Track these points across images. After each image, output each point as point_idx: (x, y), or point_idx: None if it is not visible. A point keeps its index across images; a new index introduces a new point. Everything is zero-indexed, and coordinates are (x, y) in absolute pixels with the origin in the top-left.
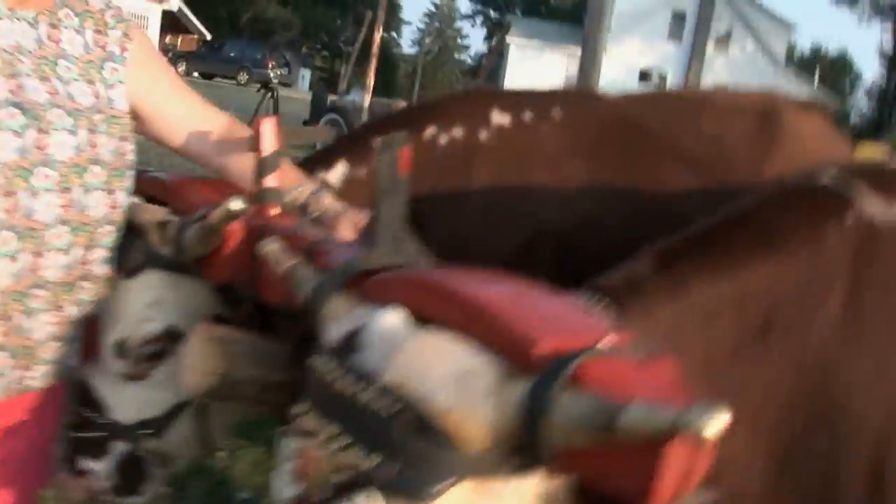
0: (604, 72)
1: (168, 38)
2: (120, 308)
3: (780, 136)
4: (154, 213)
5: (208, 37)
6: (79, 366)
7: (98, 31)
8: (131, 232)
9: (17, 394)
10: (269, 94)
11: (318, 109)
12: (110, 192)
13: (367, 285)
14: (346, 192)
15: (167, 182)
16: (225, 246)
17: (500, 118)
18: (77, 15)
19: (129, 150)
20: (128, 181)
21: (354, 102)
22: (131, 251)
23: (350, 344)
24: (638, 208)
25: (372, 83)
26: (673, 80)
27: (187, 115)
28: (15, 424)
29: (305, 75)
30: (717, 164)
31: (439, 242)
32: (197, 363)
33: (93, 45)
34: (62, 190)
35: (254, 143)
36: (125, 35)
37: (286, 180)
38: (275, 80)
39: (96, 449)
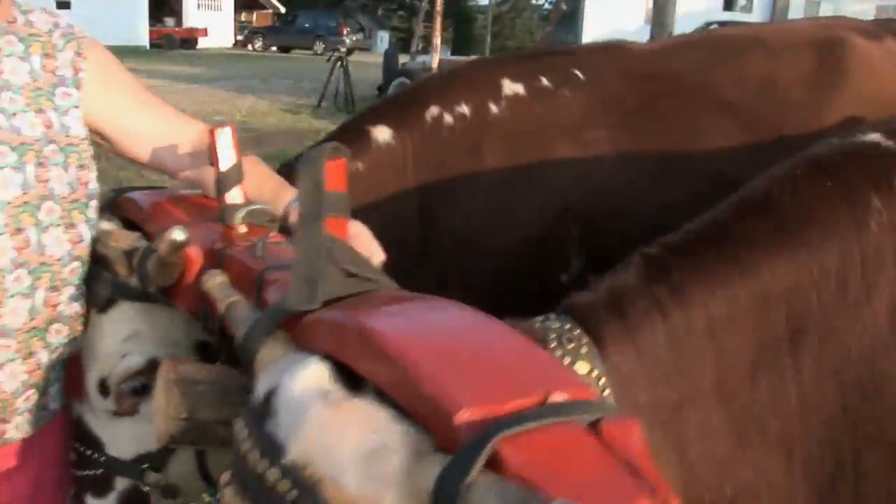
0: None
1: (243, 15)
2: (96, 345)
3: (845, 72)
4: (124, 241)
5: (282, 10)
6: (71, 403)
7: (46, 55)
8: (99, 264)
9: None
10: (339, 62)
11: (390, 74)
12: (70, 226)
13: (297, 329)
14: None
15: (142, 204)
16: (186, 274)
17: (512, 87)
18: (21, 40)
19: (91, 178)
20: (92, 212)
21: (424, 64)
22: (100, 284)
23: (266, 407)
24: (676, 173)
25: (439, 42)
26: (760, 8)
27: (154, 129)
28: None
29: (384, 38)
30: (766, 112)
31: (449, 234)
32: (160, 407)
33: (40, 71)
34: (14, 231)
35: (211, 156)
36: (78, 55)
37: (263, 190)
38: (344, 48)
39: (100, 486)
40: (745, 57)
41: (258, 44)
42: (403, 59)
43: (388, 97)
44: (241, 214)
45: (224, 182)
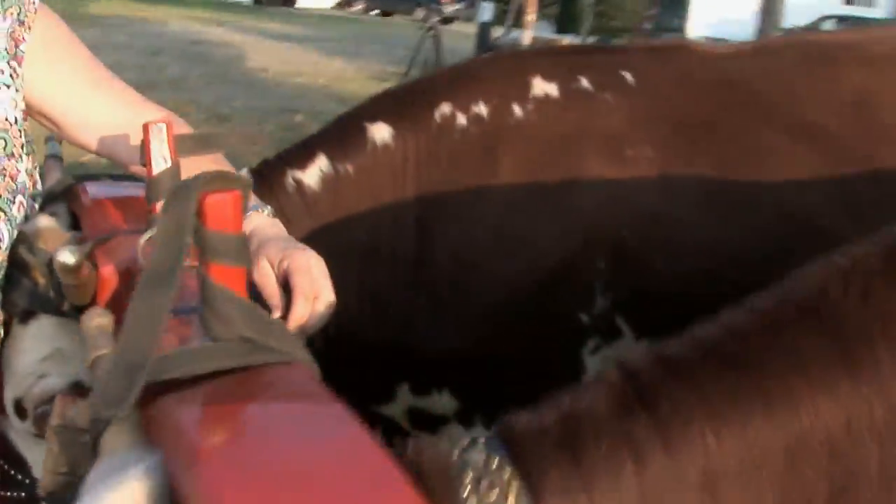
0: None
1: None
2: (13, 361)
3: None
4: (54, 242)
5: None
6: None
7: None
8: (20, 269)
9: None
10: (430, 30)
11: (482, 47)
12: None
13: (151, 412)
14: (328, 195)
15: (87, 199)
16: (98, 297)
17: (543, 87)
18: None
19: (20, 168)
20: (16, 209)
21: (515, 40)
22: (18, 293)
23: None
24: (735, 205)
25: (533, 18)
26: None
27: (107, 113)
28: None
29: (488, 9)
30: (857, 139)
31: (449, 255)
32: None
33: None
34: None
35: (143, 157)
36: (20, 23)
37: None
38: (440, 16)
39: None
40: (837, 69)
41: (359, 6)
42: (498, 32)
43: (393, 89)
44: None
45: (154, 189)
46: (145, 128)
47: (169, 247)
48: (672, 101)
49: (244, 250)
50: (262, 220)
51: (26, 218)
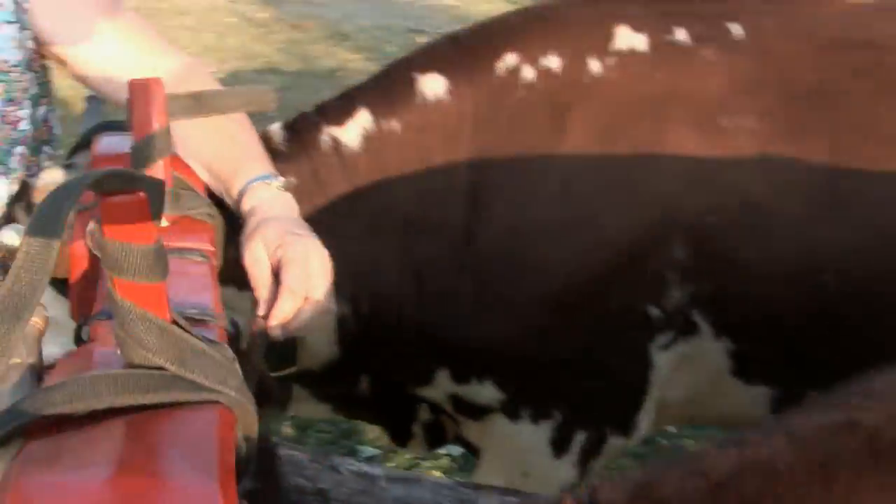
0: None
1: None
2: None
3: None
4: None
5: None
6: None
7: None
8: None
9: None
10: None
11: None
12: None
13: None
14: (369, 156)
15: (92, 153)
16: (70, 275)
17: (629, 39)
18: None
19: (22, 115)
20: (17, 161)
21: None
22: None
23: None
24: (851, 195)
25: None
26: None
27: (118, 54)
28: None
29: None
30: None
31: (503, 230)
32: None
33: None
34: None
35: (128, 118)
36: None
37: (220, 161)
38: None
39: None
40: None
41: None
42: None
43: (454, 33)
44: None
45: (138, 156)
46: (130, 86)
47: (28, 267)
48: (786, 63)
49: (156, 265)
50: (267, 195)
51: (27, 169)
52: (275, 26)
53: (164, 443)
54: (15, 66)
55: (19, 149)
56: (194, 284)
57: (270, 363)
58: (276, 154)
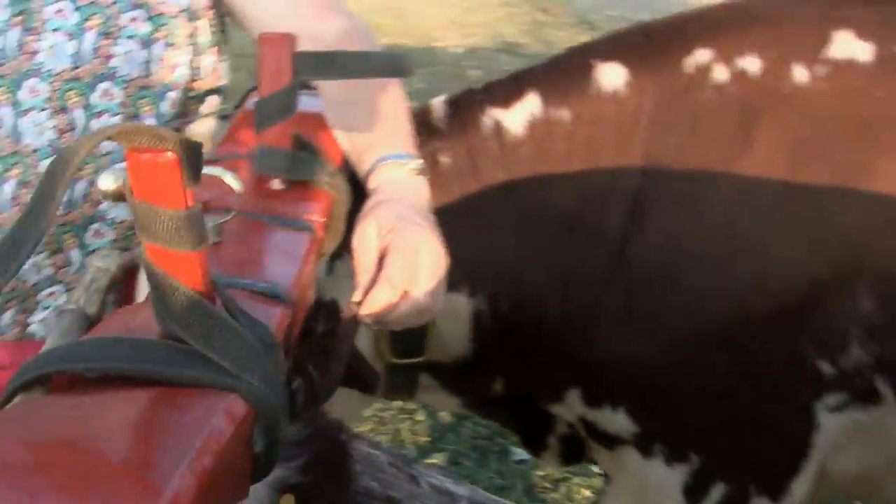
0: None
1: None
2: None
3: None
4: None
5: None
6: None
7: None
8: None
9: (15, 340)
10: None
11: None
12: (132, 117)
13: None
14: (531, 144)
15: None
16: None
17: (849, 46)
18: None
19: (180, 62)
20: (167, 106)
21: None
22: None
23: None
24: None
25: None
26: None
27: (279, 12)
28: None
29: None
30: None
31: (662, 245)
32: None
33: None
34: (56, 110)
35: (258, 75)
36: None
37: (360, 133)
38: None
39: None
40: None
41: None
42: None
43: (647, 22)
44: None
45: (262, 111)
46: (259, 40)
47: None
48: None
49: (187, 232)
50: (396, 176)
51: (177, 116)
52: (523, 7)
53: (147, 423)
54: (182, 10)
55: (172, 94)
56: (279, 257)
57: (396, 349)
58: (432, 130)
